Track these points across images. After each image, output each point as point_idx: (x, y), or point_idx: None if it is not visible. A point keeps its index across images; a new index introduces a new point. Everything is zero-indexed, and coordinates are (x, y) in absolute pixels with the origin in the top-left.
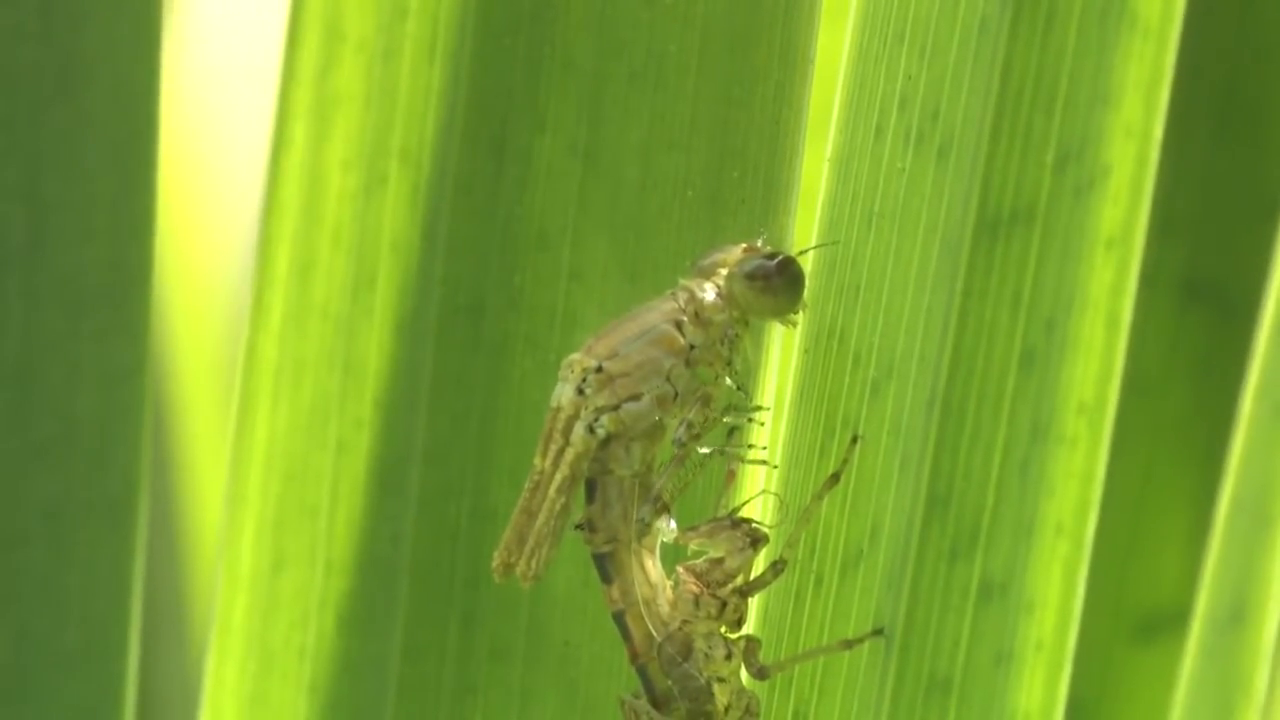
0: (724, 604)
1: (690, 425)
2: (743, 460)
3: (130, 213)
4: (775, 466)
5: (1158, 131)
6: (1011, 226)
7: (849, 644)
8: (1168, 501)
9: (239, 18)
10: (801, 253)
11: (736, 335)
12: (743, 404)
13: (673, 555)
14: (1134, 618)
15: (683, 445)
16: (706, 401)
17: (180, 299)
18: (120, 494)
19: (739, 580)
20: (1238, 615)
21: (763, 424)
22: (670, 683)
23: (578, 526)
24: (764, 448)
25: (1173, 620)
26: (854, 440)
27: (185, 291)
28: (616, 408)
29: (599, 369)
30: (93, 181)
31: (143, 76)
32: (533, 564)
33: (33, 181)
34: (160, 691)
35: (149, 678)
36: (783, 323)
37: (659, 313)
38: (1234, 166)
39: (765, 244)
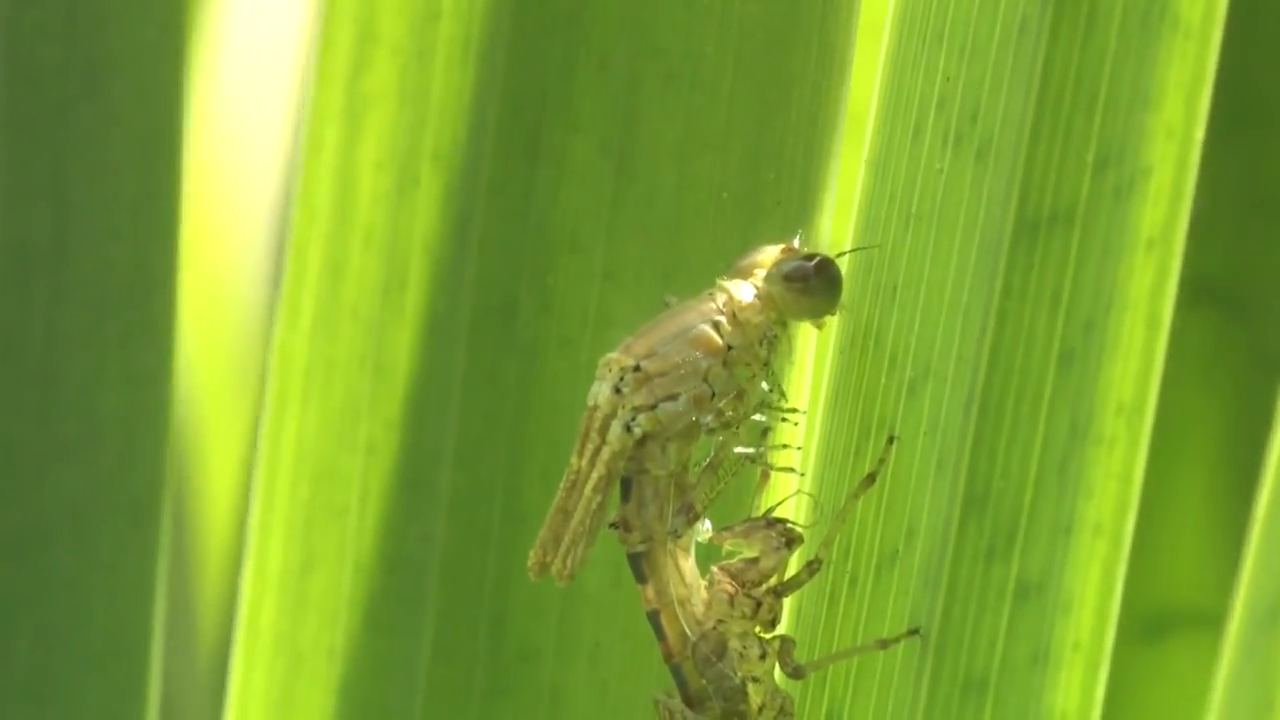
0: (759, 604)
1: (720, 413)
2: (774, 466)
3: (155, 213)
4: (802, 474)
5: (1199, 133)
6: (1051, 227)
7: (885, 644)
8: (1177, 501)
9: (263, 16)
10: (840, 255)
11: (774, 336)
12: (779, 405)
13: (708, 555)
14: (1143, 617)
15: (711, 432)
16: (744, 402)
17: (198, 299)
18: (143, 494)
19: (774, 580)
20: (1277, 613)
21: (795, 424)
22: (705, 682)
23: (612, 525)
24: (799, 448)
25: (1183, 620)
26: (890, 440)
27: (203, 291)
28: (653, 407)
29: (637, 368)
30: (118, 181)
31: (167, 76)
32: (568, 563)
33: (58, 181)
34: (174, 690)
35: (164, 677)
36: (817, 324)
37: (697, 313)
38: (1240, 166)
39: (803, 245)
